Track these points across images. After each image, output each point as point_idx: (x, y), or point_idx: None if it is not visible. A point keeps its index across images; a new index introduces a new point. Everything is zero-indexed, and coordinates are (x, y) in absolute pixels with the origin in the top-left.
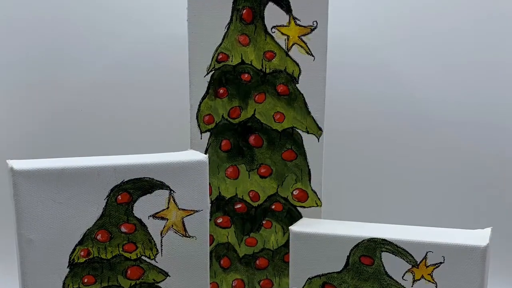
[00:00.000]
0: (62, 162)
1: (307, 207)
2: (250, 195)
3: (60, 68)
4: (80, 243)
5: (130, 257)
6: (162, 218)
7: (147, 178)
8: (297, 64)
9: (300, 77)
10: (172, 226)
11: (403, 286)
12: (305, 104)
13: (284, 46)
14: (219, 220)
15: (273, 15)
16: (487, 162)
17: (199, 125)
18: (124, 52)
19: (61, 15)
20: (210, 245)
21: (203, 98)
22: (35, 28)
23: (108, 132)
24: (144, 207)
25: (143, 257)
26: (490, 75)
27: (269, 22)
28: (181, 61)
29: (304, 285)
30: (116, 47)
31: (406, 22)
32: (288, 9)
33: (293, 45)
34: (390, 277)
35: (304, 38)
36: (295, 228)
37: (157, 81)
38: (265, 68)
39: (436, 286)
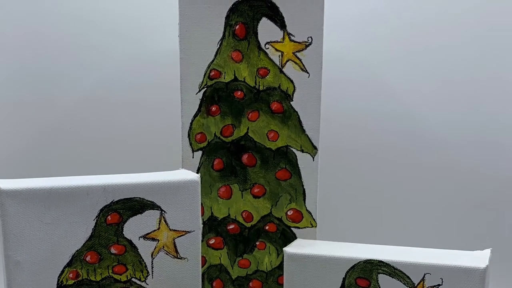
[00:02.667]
0: (50, 181)
1: (301, 228)
2: (243, 216)
3: (48, 85)
4: (69, 264)
5: (120, 279)
6: (153, 239)
7: (137, 198)
8: (292, 81)
9: (294, 95)
10: (163, 247)
11: None
12: (300, 122)
13: (278, 63)
14: (212, 241)
15: (266, 30)
16: (486, 182)
17: (190, 144)
18: (113, 69)
19: (49, 31)
20: (202, 267)
21: (195, 116)
22: (22, 45)
23: (97, 150)
24: (134, 227)
25: (133, 279)
26: (489, 92)
27: (262, 38)
28: (173, 77)
29: None
30: (105, 63)
31: (403, 38)
32: (282, 25)
33: (287, 61)
34: None
35: (298, 54)
36: (289, 249)
37: (147, 98)
38: (259, 85)
39: None
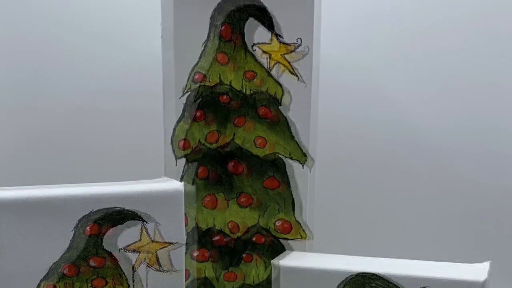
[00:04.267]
0: (26, 191)
1: (290, 239)
2: (229, 226)
3: (27, 92)
4: (46, 277)
5: None
6: (134, 251)
7: (118, 208)
8: (280, 85)
9: (283, 99)
10: (145, 259)
11: None
12: (289, 128)
13: (266, 65)
14: (196, 254)
15: (254, 31)
16: (485, 192)
17: (174, 151)
18: (91, 74)
19: (36, 37)
20: (186, 280)
21: (178, 122)
22: (9, 51)
23: (76, 159)
24: (114, 239)
25: None
26: (488, 99)
27: (249, 39)
28: (154, 81)
29: None
30: (83, 71)
31: (401, 43)
32: (270, 25)
33: (275, 64)
34: None
35: (287, 56)
36: (278, 261)
37: (128, 103)
38: (245, 89)
39: None
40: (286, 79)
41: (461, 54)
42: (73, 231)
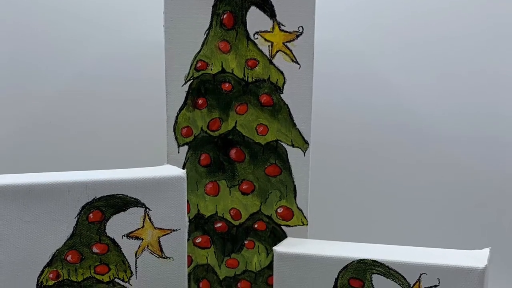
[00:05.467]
0: (29, 178)
1: (292, 226)
2: (231, 213)
3: (26, 77)
4: (49, 264)
5: (103, 279)
6: (137, 238)
7: (120, 195)
8: (282, 73)
9: (284, 87)
10: (148, 246)
11: None
12: (290, 115)
13: (267, 53)
14: (198, 240)
15: (256, 20)
16: (485, 178)
17: (176, 138)
18: (96, 61)
19: (26, 22)
20: (188, 266)
21: (180, 109)
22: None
23: (79, 145)
24: (117, 226)
25: (116, 280)
26: (488, 86)
27: (251, 27)
28: (157, 69)
29: None
30: (86, 55)
31: (399, 29)
32: (272, 14)
33: (277, 52)
34: None
35: (289, 44)
36: (279, 248)
37: (131, 91)
38: (247, 77)
39: None
40: (287, 66)
41: (460, 40)
42: (76, 218)
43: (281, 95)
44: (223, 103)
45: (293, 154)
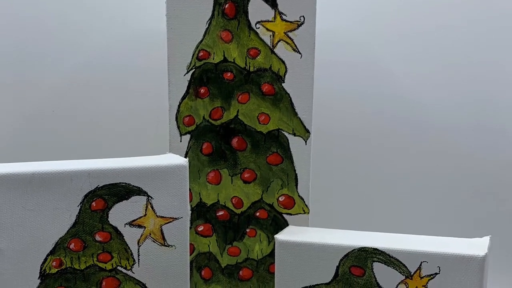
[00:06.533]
0: (32, 166)
1: (293, 214)
2: (233, 202)
3: (29, 67)
4: (52, 252)
5: (105, 267)
6: (139, 226)
7: (123, 183)
8: (283, 62)
9: (286, 76)
10: (150, 234)
11: None
12: (292, 104)
13: (269, 43)
14: (200, 228)
15: (257, 9)
16: (485, 166)
17: (178, 127)
18: (99, 50)
19: (29, 10)
20: (190, 254)
21: (182, 98)
22: (1, 26)
23: (81, 134)
24: (120, 214)
25: (119, 268)
26: (488, 75)
27: (253, 17)
28: (160, 58)
29: None
30: (89, 44)
31: (400, 17)
32: (273, 4)
33: (278, 41)
34: None
35: (290, 34)
36: (280, 236)
37: (134, 80)
38: (249, 66)
39: None
40: (288, 56)
41: (460, 29)
42: (79, 206)
43: (283, 84)
44: (225, 92)
45: (295, 142)
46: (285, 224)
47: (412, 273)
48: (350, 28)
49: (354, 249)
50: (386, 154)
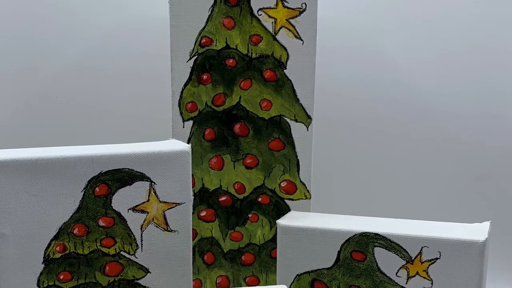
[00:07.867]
0: (36, 152)
1: (295, 200)
2: (235, 187)
3: (32, 53)
4: (56, 237)
5: (109, 252)
6: (142, 211)
7: (126, 169)
8: (285, 49)
9: (288, 62)
10: (153, 219)
11: (396, 283)
12: (294, 90)
13: (271, 30)
14: (203, 214)
15: None
16: (485, 153)
17: (181, 113)
18: (102, 36)
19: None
20: (193, 239)
21: (185, 85)
22: (3, 13)
23: (85, 120)
24: (123, 199)
25: (122, 253)
26: (490, 62)
27: (255, 4)
28: (162, 45)
29: (293, 282)
30: (92, 31)
31: (401, 4)
32: None
33: (280, 28)
34: (383, 273)
35: (292, 21)
36: (282, 221)
37: (136, 66)
38: (251, 53)
39: (432, 283)
40: (290, 42)
41: (462, 16)
42: (83, 192)
43: (285, 70)
44: (227, 78)
45: (296, 128)
46: (287, 210)
47: (413, 258)
48: (352, 14)
49: (355, 234)
50: (387, 140)
